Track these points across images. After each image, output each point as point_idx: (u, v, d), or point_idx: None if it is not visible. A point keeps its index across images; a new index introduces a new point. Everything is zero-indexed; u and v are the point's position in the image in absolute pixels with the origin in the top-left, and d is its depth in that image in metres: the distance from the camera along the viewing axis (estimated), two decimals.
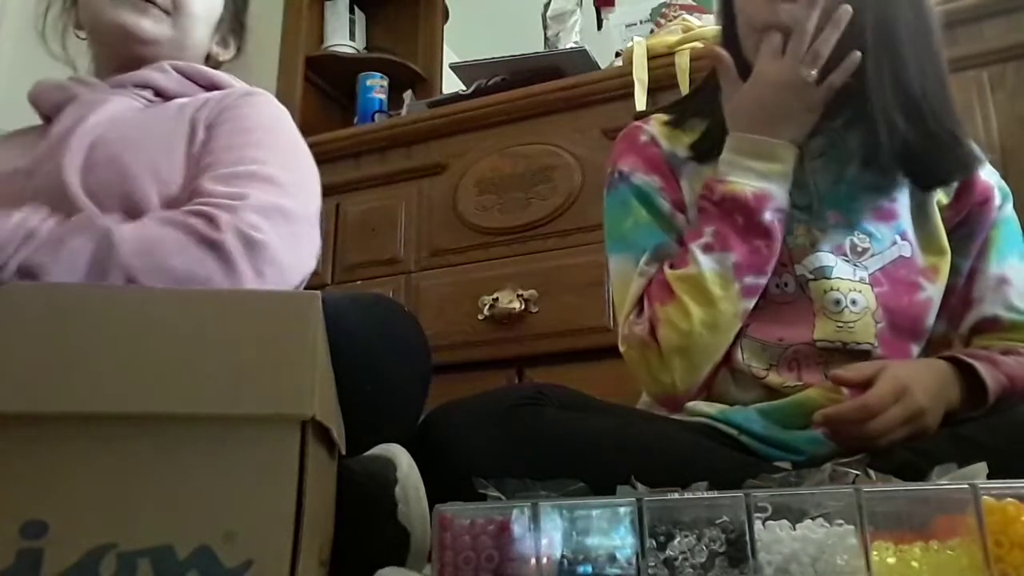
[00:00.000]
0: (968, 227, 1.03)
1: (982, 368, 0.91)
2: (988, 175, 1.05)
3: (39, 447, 0.49)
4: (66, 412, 0.49)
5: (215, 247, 0.87)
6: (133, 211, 0.95)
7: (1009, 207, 1.06)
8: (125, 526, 0.48)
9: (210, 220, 0.88)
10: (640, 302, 1.01)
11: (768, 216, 0.96)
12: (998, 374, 0.91)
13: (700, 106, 1.09)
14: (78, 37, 1.18)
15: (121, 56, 1.11)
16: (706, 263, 0.96)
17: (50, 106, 1.10)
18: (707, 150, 1.03)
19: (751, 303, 0.97)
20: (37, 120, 1.14)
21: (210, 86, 1.13)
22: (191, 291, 0.54)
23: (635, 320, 1.00)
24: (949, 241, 1.02)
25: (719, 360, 0.97)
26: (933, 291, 1.00)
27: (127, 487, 0.49)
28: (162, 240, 0.86)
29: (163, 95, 1.10)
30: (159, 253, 0.86)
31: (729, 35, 1.05)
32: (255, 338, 0.51)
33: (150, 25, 1.09)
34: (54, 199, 0.94)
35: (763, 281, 0.97)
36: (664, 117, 1.11)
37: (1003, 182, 1.06)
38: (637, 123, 1.12)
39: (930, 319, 1.00)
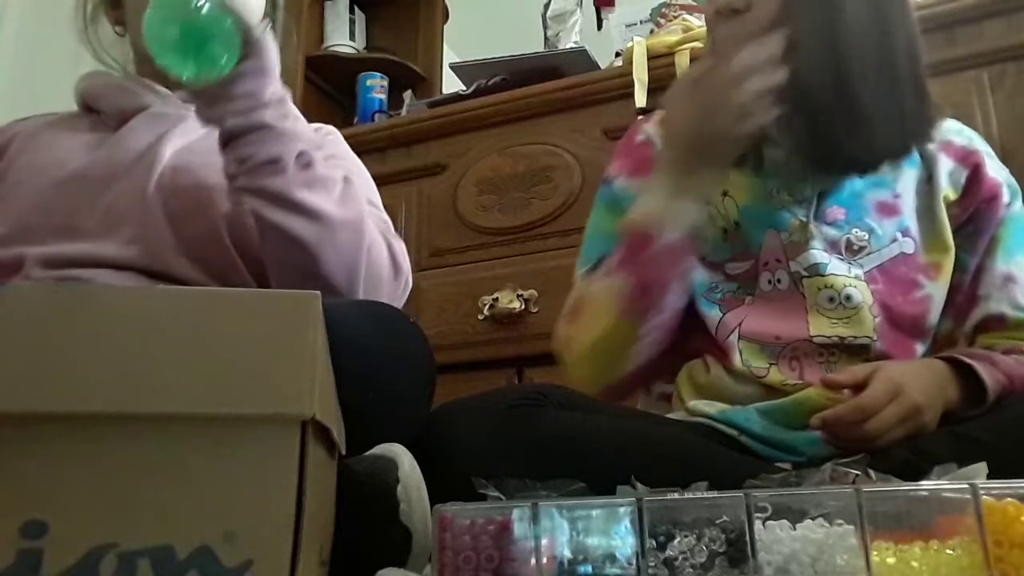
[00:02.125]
0: (975, 224, 1.03)
1: (980, 368, 0.91)
2: (996, 172, 1.04)
3: (39, 447, 0.49)
4: (67, 412, 0.49)
5: (395, 282, 1.02)
6: (210, 238, 0.99)
7: (1018, 204, 1.05)
8: (125, 526, 0.48)
9: (399, 265, 1.03)
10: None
11: (667, 242, 0.94)
12: (997, 373, 0.91)
13: None
14: (117, 34, 1.15)
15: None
16: (605, 286, 0.98)
17: (112, 107, 1.09)
18: None
19: (654, 322, 0.96)
20: (40, 109, 1.13)
21: None
22: (191, 291, 0.54)
23: (565, 322, 1.04)
24: (956, 238, 1.02)
25: (639, 365, 0.99)
26: (932, 289, 1.00)
27: (127, 487, 0.49)
28: (377, 241, 0.99)
29: None
30: (368, 239, 0.97)
31: None
32: (255, 338, 0.51)
33: None
34: (131, 217, 0.98)
35: (662, 301, 0.96)
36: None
37: (1012, 179, 1.06)
38: (640, 119, 1.14)
39: (931, 317, 1.00)
